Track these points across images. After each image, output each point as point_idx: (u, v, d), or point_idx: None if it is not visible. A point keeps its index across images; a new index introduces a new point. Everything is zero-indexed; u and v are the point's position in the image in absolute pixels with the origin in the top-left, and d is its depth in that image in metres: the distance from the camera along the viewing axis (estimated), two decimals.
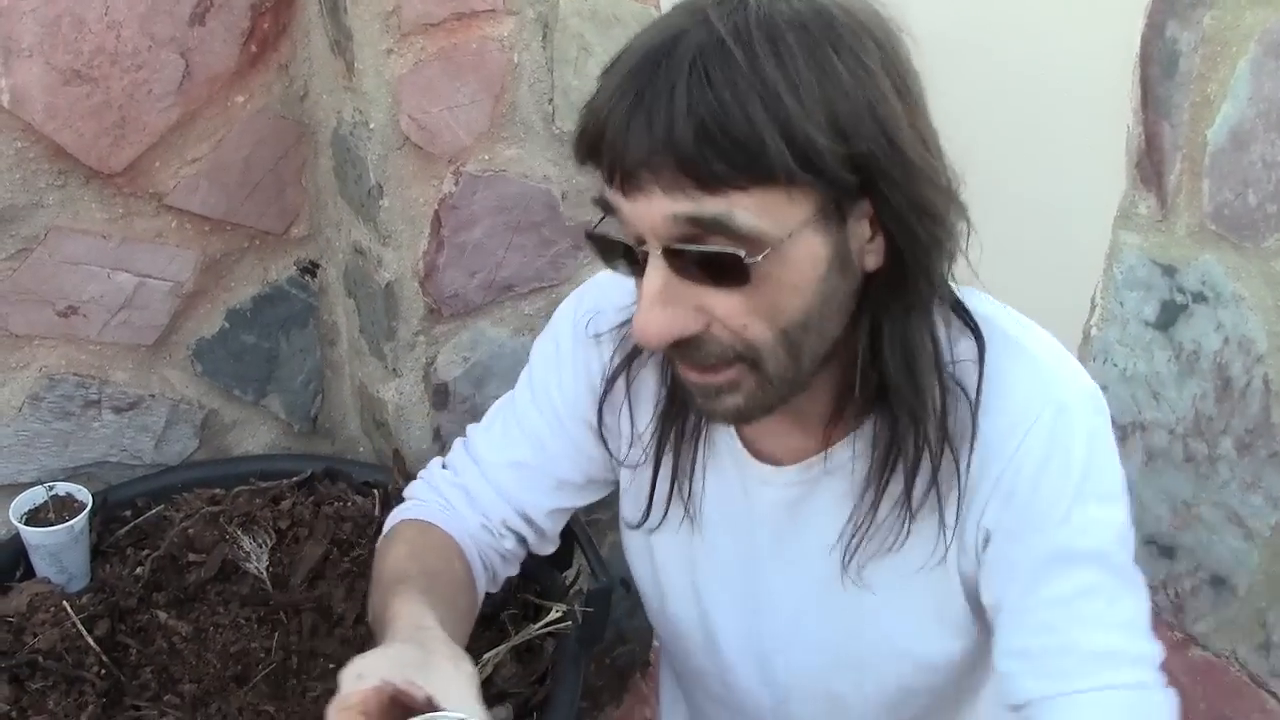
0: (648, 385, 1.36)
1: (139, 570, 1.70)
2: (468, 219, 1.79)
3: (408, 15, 1.65)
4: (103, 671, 1.54)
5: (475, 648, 1.56)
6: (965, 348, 1.21)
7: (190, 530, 1.76)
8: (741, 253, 1.01)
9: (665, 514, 1.37)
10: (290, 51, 1.79)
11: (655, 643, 2.27)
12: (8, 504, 1.67)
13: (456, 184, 1.76)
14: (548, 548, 1.52)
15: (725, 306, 1.05)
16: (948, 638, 1.31)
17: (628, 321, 1.33)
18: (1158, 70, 2.34)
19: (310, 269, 1.93)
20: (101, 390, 1.81)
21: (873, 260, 1.11)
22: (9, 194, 1.63)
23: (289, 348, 1.96)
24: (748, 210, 1.00)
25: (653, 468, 1.36)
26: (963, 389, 1.19)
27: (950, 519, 1.21)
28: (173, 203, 1.76)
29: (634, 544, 1.48)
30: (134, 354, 1.82)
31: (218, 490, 1.85)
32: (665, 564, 1.44)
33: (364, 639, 1.59)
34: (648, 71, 1.00)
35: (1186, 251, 2.40)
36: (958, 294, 1.22)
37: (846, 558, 1.26)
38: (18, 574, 1.68)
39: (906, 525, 1.22)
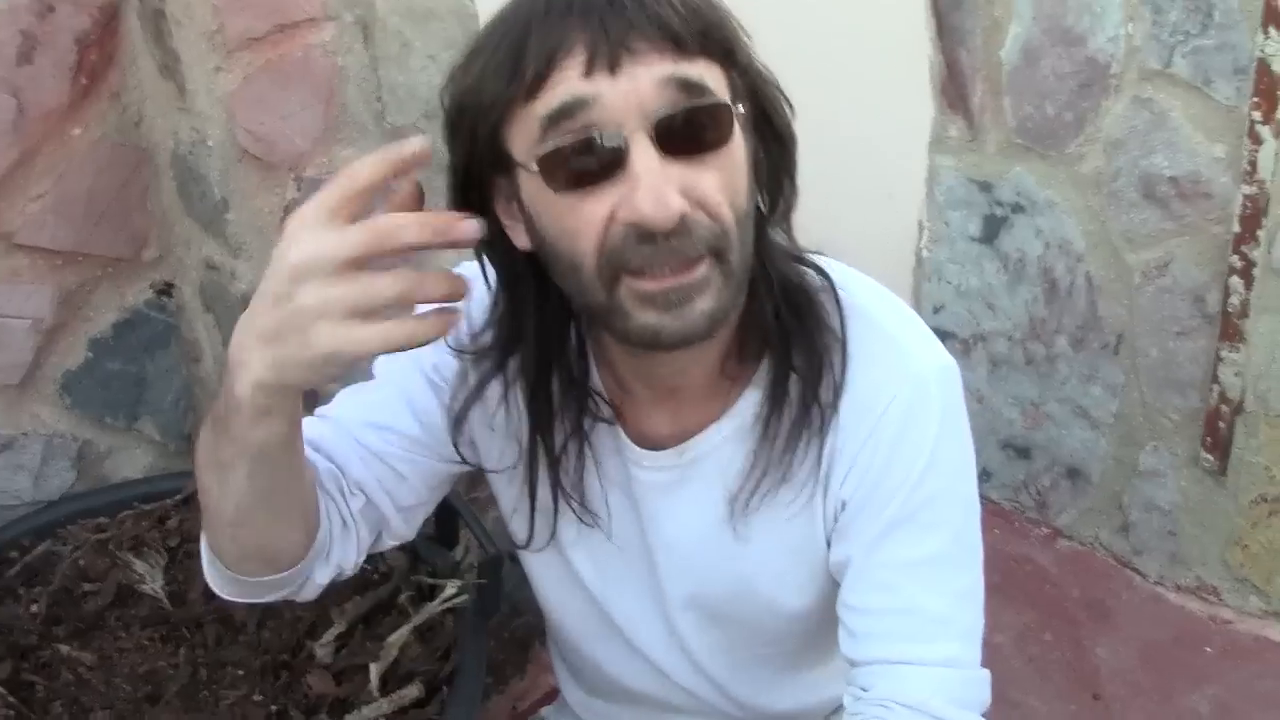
0: (499, 421, 1.36)
1: (34, 608, 1.72)
2: None
3: (231, 32, 1.69)
4: (11, 714, 1.57)
5: (378, 634, 1.63)
6: (818, 286, 1.29)
7: (81, 561, 1.79)
8: (728, 104, 1.09)
9: (554, 530, 1.39)
10: (120, 79, 1.83)
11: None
12: None
13: (299, 189, 1.81)
14: (401, 537, 1.42)
15: (705, 184, 1.09)
16: (813, 584, 1.39)
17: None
18: (947, 1, 2.46)
19: (166, 290, 1.97)
20: None
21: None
22: None
23: (155, 369, 2.00)
24: (713, 78, 1.09)
25: (530, 489, 1.35)
26: (829, 327, 1.26)
27: (817, 460, 1.28)
28: (22, 240, 1.80)
29: (537, 561, 1.49)
30: (2, 395, 1.85)
31: (103, 519, 1.87)
32: (581, 565, 1.45)
33: (269, 645, 1.65)
34: None
35: (998, 166, 2.54)
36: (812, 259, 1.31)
37: (738, 507, 1.33)
38: None
39: (799, 473, 1.28)
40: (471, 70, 1.11)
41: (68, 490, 1.96)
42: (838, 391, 1.26)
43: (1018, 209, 2.53)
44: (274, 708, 1.57)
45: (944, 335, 2.78)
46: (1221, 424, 2.33)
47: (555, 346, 1.28)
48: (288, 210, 1.80)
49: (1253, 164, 2.11)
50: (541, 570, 1.50)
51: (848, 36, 2.63)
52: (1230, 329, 2.24)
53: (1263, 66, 2.06)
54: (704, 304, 1.13)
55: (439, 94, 1.16)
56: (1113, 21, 2.25)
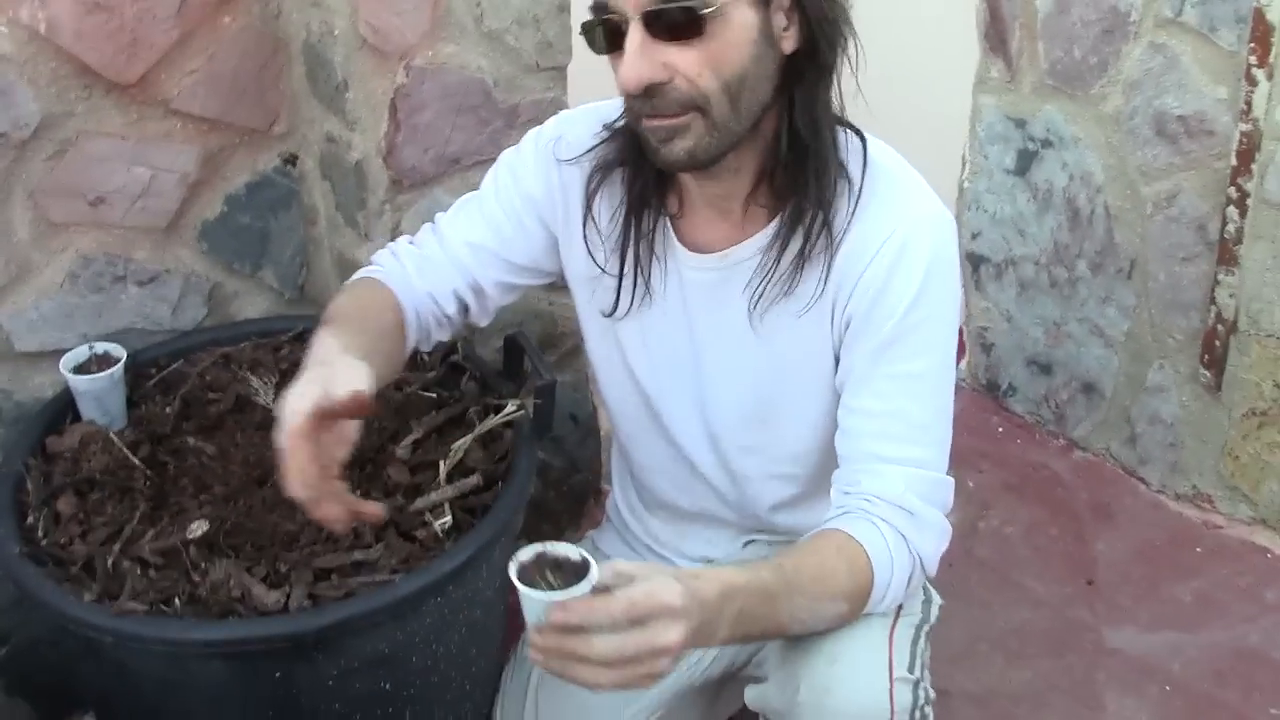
0: (606, 209, 1.74)
1: (168, 409, 2.04)
2: (419, 104, 2.15)
3: None
4: (148, 482, 1.88)
5: (448, 441, 1.95)
6: (854, 146, 1.61)
7: (208, 376, 2.12)
8: (694, 8, 1.41)
9: (633, 299, 1.74)
10: None
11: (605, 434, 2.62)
12: (55, 365, 2.04)
13: (407, 76, 2.12)
14: (484, 320, 1.90)
15: (684, 60, 1.45)
16: (822, 388, 1.69)
17: (594, 147, 1.72)
18: None
19: (291, 159, 2.31)
20: (126, 267, 2.18)
21: (789, 44, 1.51)
22: (48, 105, 2.01)
23: (278, 227, 2.33)
24: None
25: (619, 260, 1.73)
26: (848, 175, 1.58)
27: (826, 266, 1.59)
28: (177, 107, 2.13)
29: (601, 344, 1.86)
30: (151, 235, 2.20)
31: (227, 348, 2.21)
32: (629, 346, 1.81)
33: (358, 447, 1.94)
34: None
35: (1032, 105, 2.80)
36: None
37: (753, 303, 1.64)
38: (68, 420, 2.02)
39: (810, 273, 1.59)
40: None
41: (199, 323, 2.29)
42: (847, 224, 1.57)
43: (1047, 144, 2.79)
44: (359, 491, 1.89)
45: (980, 259, 3.05)
46: (1218, 343, 2.57)
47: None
48: (397, 92, 2.12)
49: (1248, 104, 2.36)
50: (602, 364, 1.87)
51: None
52: (1226, 254, 2.49)
53: (1258, 15, 2.30)
54: (684, 143, 1.50)
55: None
56: None
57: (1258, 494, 2.66)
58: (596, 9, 1.48)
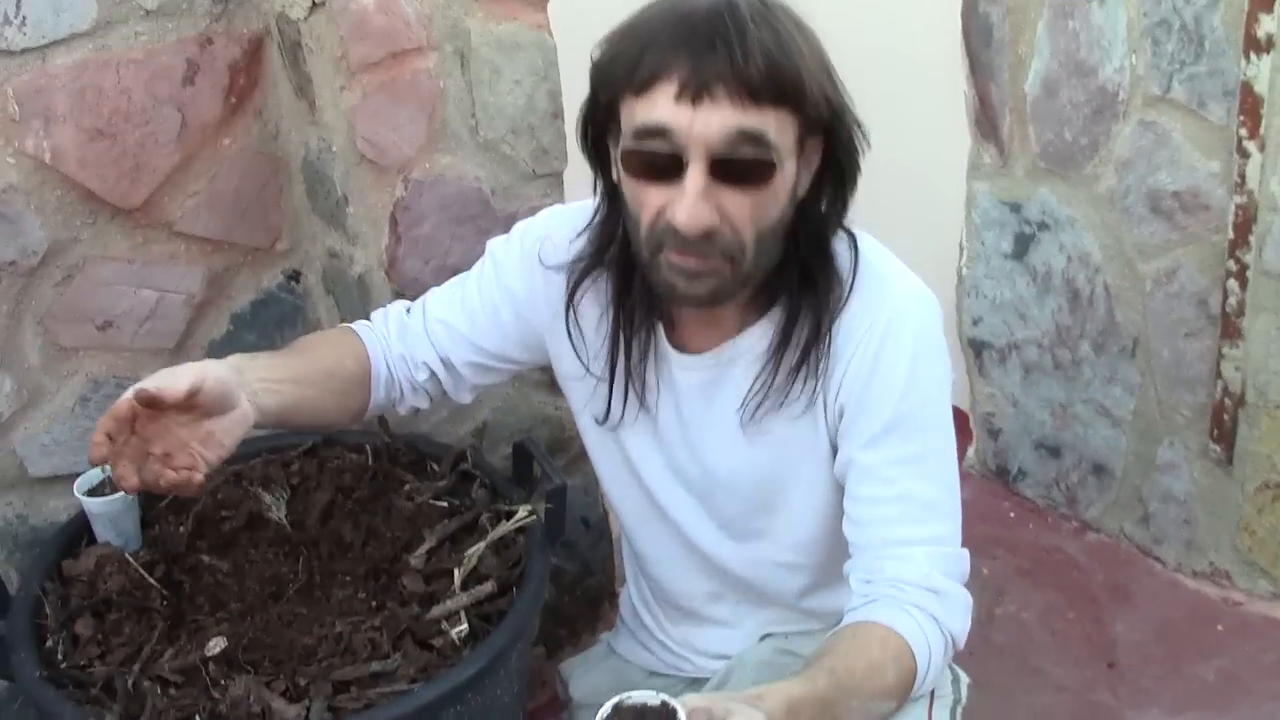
0: (591, 310, 1.77)
1: (182, 528, 2.04)
2: (418, 216, 2.18)
3: (354, 58, 2.04)
4: (164, 602, 1.89)
5: (461, 549, 1.95)
6: (844, 247, 1.63)
7: (220, 493, 2.13)
8: (774, 161, 1.44)
9: (624, 409, 1.77)
10: (262, 99, 2.20)
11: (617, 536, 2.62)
12: (69, 489, 2.05)
13: (406, 189, 2.15)
14: (463, 396, 1.96)
15: (738, 208, 1.46)
16: (822, 476, 1.70)
17: (578, 259, 1.75)
18: (978, 40, 2.78)
19: (294, 276, 2.33)
20: None
21: (803, 188, 1.55)
22: (55, 232, 2.04)
23: (283, 343, 2.33)
24: (773, 127, 1.43)
25: (610, 372, 1.75)
26: (840, 279, 1.61)
27: (816, 374, 1.61)
28: (181, 229, 2.17)
29: (600, 443, 1.88)
30: (159, 357, 2.21)
31: (238, 465, 2.22)
32: (627, 446, 1.83)
33: (371, 558, 1.97)
34: (716, 19, 1.41)
35: (1026, 189, 2.83)
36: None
37: (747, 414, 1.66)
38: (83, 543, 2.01)
39: (804, 384, 1.62)
40: (613, 48, 1.50)
41: None
42: (835, 323, 1.60)
43: (1043, 227, 2.82)
44: (374, 602, 1.90)
45: (982, 345, 3.07)
46: (1226, 417, 2.58)
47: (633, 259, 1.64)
48: (397, 205, 2.15)
49: (1242, 176, 2.38)
50: (602, 463, 1.89)
51: (895, 76, 2.96)
52: (1230, 328, 2.50)
53: (1246, 88, 2.33)
54: (708, 284, 1.52)
55: (590, 51, 1.55)
56: (1119, 54, 2.54)
57: (1276, 568, 2.65)
58: (653, 133, 1.46)
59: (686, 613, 1.96)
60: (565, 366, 1.83)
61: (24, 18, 1.94)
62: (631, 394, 1.75)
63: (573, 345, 1.79)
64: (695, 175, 1.43)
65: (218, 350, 2.27)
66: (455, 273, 2.22)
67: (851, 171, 1.56)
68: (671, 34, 1.43)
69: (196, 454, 1.62)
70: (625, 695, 1.29)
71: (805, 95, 1.44)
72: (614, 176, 1.61)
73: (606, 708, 1.29)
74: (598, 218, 1.72)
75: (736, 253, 1.49)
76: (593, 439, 1.89)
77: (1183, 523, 2.77)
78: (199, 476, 1.60)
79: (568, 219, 1.81)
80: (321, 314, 2.36)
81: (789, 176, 1.49)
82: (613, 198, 1.66)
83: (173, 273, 2.18)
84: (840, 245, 1.63)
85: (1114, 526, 2.94)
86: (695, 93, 1.40)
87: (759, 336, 1.65)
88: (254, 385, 1.69)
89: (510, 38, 2.18)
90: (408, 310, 1.94)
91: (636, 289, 1.69)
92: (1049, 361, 2.92)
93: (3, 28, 1.92)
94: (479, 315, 1.87)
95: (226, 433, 1.64)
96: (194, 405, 1.59)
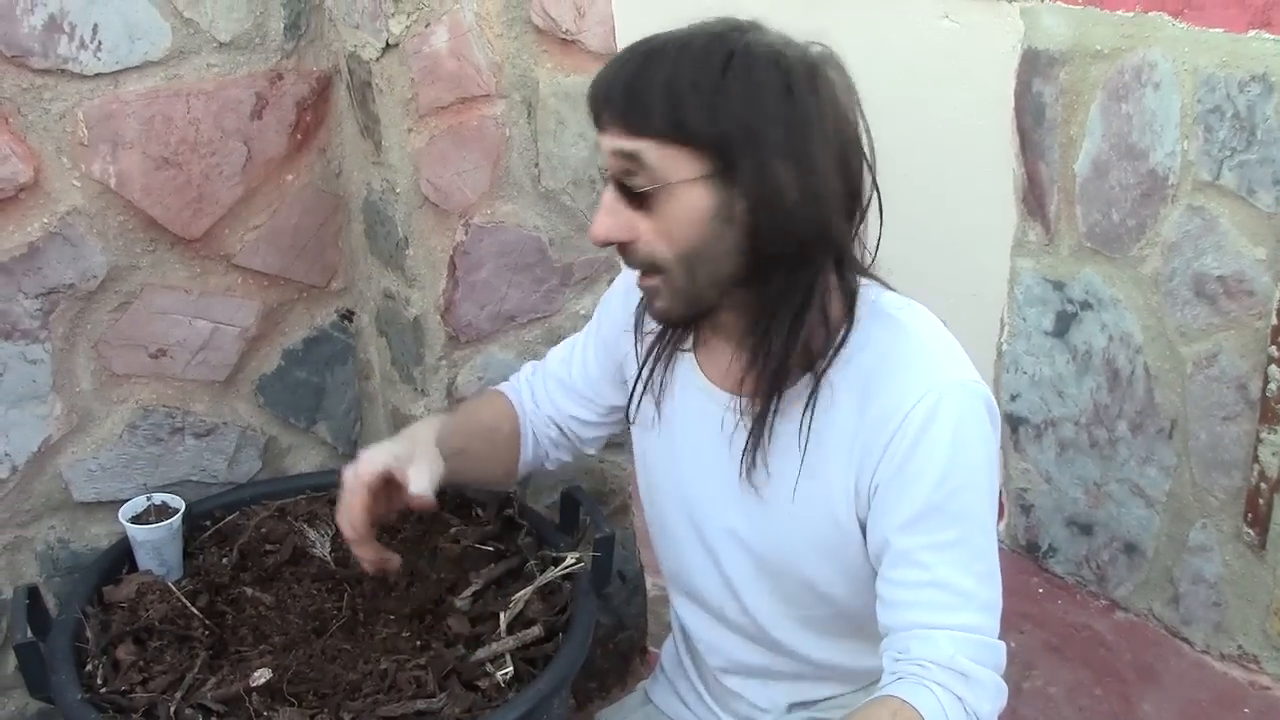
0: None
1: (225, 559, 2.06)
2: (476, 262, 2.20)
3: (423, 101, 2.07)
4: (207, 632, 1.89)
5: (507, 593, 1.95)
6: (867, 299, 1.59)
7: (264, 528, 2.13)
8: (641, 182, 1.48)
9: (639, 406, 1.79)
10: (327, 137, 2.22)
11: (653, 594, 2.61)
12: (112, 515, 2.06)
13: (466, 234, 2.17)
14: (589, 447, 2.01)
15: (643, 226, 1.51)
16: (839, 545, 1.67)
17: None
18: (1029, 120, 2.81)
19: (348, 315, 2.35)
20: (185, 419, 2.21)
21: (745, 224, 1.49)
22: (115, 258, 2.05)
23: (333, 382, 2.37)
24: (653, 155, 1.47)
25: (638, 370, 1.78)
26: (845, 333, 1.58)
27: (850, 445, 1.58)
28: (239, 262, 2.18)
29: (635, 447, 1.90)
30: (210, 388, 2.23)
31: (283, 501, 2.22)
32: (645, 458, 1.84)
33: (416, 599, 1.97)
34: (625, 54, 1.50)
35: (1071, 268, 2.85)
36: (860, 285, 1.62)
37: (745, 470, 1.64)
38: (124, 570, 2.03)
39: (799, 436, 1.59)
40: None
41: (253, 476, 2.31)
42: (870, 394, 1.57)
43: (1086, 305, 2.83)
44: (418, 642, 1.89)
45: (1019, 421, 3.07)
46: (1261, 501, 2.58)
47: None
48: (456, 249, 2.17)
49: None
50: (642, 467, 1.89)
51: (945, 151, 2.99)
52: (1269, 413, 2.51)
53: None
54: (660, 303, 1.58)
55: None
56: (1171, 138, 2.57)
57: None
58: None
59: (717, 669, 1.95)
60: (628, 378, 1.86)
61: (99, 43, 1.96)
62: (649, 394, 1.78)
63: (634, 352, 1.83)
64: (605, 193, 1.54)
65: (268, 385, 2.28)
66: (510, 320, 2.25)
67: (770, 213, 1.48)
68: (603, 73, 1.54)
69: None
70: None
71: (670, 129, 1.46)
72: None
73: None
74: None
75: (661, 267, 1.53)
76: (642, 473, 1.90)
77: (1212, 605, 2.76)
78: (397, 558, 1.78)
79: None
80: (373, 354, 2.38)
81: (695, 204, 1.47)
82: None
83: (228, 305, 2.19)
84: (867, 299, 1.60)
85: (1143, 606, 2.94)
86: (595, 117, 1.53)
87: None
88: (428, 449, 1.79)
89: (577, 90, 2.21)
90: (534, 370, 2.01)
91: None
92: (1085, 440, 2.93)
93: (78, 52, 1.95)
94: (576, 363, 1.93)
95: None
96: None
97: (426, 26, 2.04)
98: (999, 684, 1.54)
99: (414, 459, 1.69)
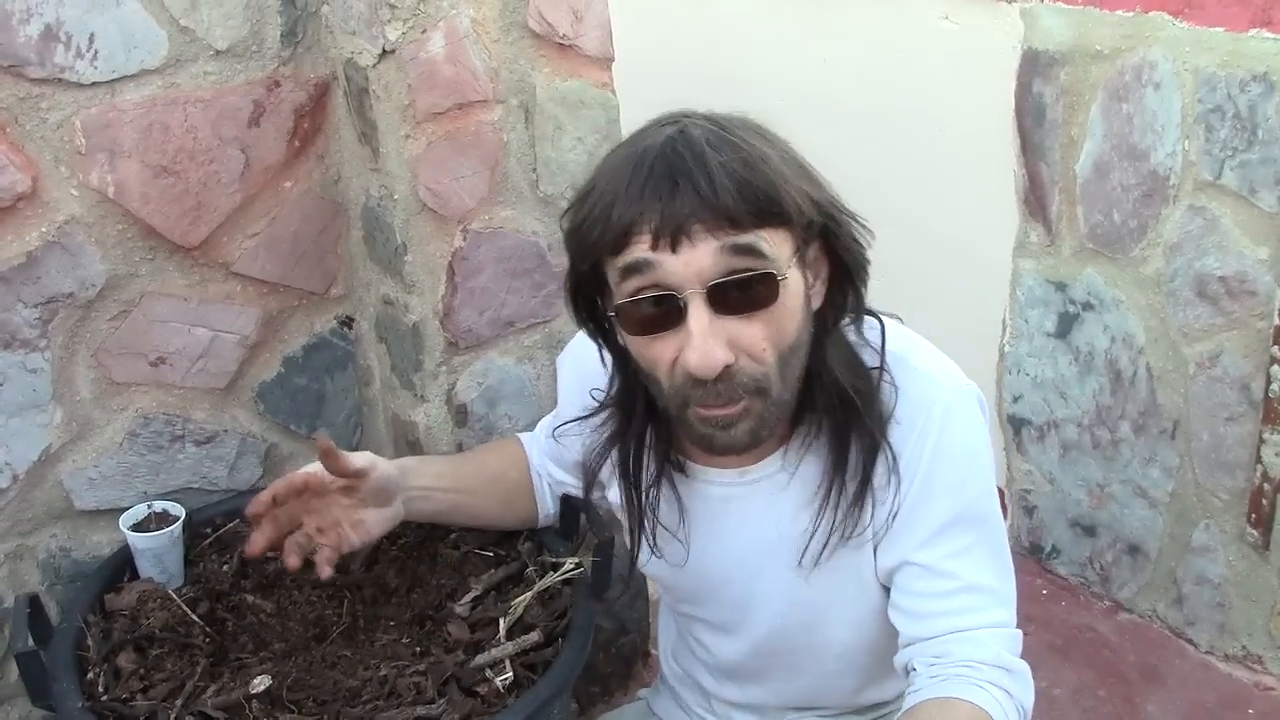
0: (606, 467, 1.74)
1: (226, 567, 2.06)
2: (475, 268, 2.20)
3: (420, 107, 2.07)
4: (207, 639, 1.89)
5: (507, 598, 1.95)
6: (869, 356, 1.57)
7: None
8: (774, 273, 1.37)
9: (652, 550, 1.73)
10: (325, 144, 2.22)
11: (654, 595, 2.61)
12: (113, 524, 2.06)
13: (465, 239, 2.17)
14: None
15: (749, 335, 1.39)
16: (867, 592, 1.66)
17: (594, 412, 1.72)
18: (1030, 120, 2.80)
19: (348, 322, 2.35)
20: (185, 427, 2.21)
21: (818, 298, 1.50)
22: (114, 266, 2.05)
23: (333, 388, 2.36)
24: (766, 244, 1.38)
25: (635, 524, 1.72)
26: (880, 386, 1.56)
27: (875, 498, 1.56)
28: (238, 270, 2.18)
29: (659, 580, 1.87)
30: (210, 396, 2.23)
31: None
32: (676, 577, 1.79)
33: (416, 605, 1.97)
34: (669, 159, 1.36)
35: (1072, 269, 2.85)
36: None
37: (807, 552, 1.59)
38: (125, 577, 2.03)
39: (869, 513, 1.56)
40: (579, 214, 1.45)
41: (254, 483, 2.30)
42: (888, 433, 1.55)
43: (1088, 307, 2.83)
44: (418, 648, 1.89)
45: (1021, 422, 3.07)
46: (1264, 501, 2.57)
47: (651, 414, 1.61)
48: (455, 255, 2.17)
49: None
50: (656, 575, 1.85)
51: (946, 153, 2.99)
52: (1272, 413, 2.50)
53: None
54: (745, 427, 1.46)
55: (559, 220, 1.52)
56: (1172, 138, 2.56)
57: None
58: (633, 274, 1.40)
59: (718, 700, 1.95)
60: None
61: (96, 51, 1.96)
62: (655, 543, 1.73)
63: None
64: (697, 312, 1.37)
65: (268, 392, 2.28)
66: (509, 325, 2.25)
67: (859, 268, 1.49)
68: (632, 185, 1.37)
69: (344, 535, 1.82)
70: None
71: (786, 206, 1.38)
72: (619, 341, 1.55)
73: None
74: (614, 389, 1.67)
75: (764, 384, 1.42)
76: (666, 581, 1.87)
77: (1216, 605, 2.76)
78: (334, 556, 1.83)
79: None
80: (373, 360, 2.38)
81: (796, 289, 1.42)
82: (624, 365, 1.60)
83: (228, 313, 2.19)
84: (867, 340, 1.58)
85: (1147, 607, 2.93)
86: (672, 238, 1.35)
87: (786, 461, 1.62)
88: (412, 491, 1.88)
89: (575, 95, 2.21)
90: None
91: (654, 445, 1.67)
92: (1088, 441, 2.93)
93: (74, 61, 1.95)
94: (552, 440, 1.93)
95: (375, 524, 1.85)
96: (356, 487, 1.80)
97: (423, 33, 2.04)
98: (1029, 673, 1.55)
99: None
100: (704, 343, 1.36)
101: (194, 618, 1.93)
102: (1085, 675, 2.80)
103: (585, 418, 1.72)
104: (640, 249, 1.37)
